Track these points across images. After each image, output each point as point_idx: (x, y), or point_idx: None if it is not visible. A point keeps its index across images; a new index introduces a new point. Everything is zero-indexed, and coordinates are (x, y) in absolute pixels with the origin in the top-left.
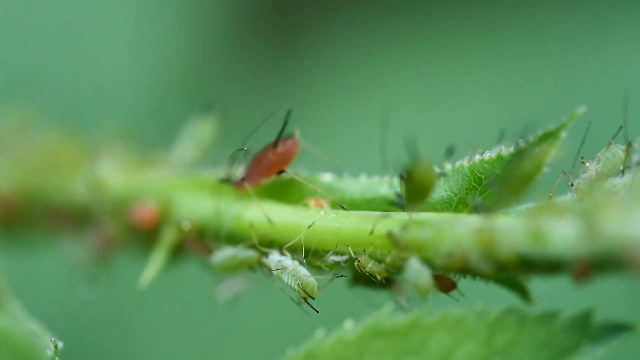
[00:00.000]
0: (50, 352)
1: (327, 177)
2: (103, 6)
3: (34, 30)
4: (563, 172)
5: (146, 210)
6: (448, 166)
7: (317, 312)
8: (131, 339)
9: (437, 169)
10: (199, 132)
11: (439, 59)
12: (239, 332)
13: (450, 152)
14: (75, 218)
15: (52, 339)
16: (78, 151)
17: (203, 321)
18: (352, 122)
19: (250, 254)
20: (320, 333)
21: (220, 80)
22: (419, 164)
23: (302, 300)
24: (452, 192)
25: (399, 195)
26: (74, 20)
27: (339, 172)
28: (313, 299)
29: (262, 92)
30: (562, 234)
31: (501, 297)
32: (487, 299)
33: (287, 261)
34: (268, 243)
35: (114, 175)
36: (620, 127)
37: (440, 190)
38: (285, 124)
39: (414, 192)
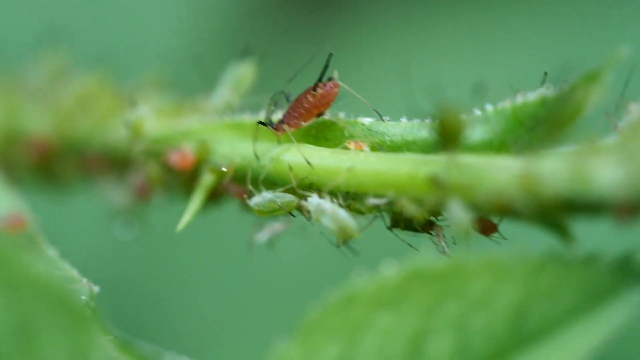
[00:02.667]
0: (85, 297)
1: (367, 120)
2: None
3: None
4: (607, 114)
5: (184, 152)
6: (490, 108)
7: (357, 255)
8: (168, 283)
9: (476, 112)
10: (238, 76)
11: (481, 5)
12: (277, 276)
13: (478, 91)
14: (112, 162)
15: (88, 284)
16: (115, 97)
17: (241, 266)
18: (393, 67)
19: (290, 197)
20: (359, 276)
21: (259, 29)
22: (446, 111)
23: (342, 242)
24: (494, 134)
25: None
26: None
27: (379, 115)
28: (351, 241)
29: (301, 41)
30: (606, 176)
31: (544, 240)
32: (529, 242)
33: (326, 204)
34: (307, 186)
35: (151, 119)
36: None
37: (482, 133)
38: (326, 66)
39: (445, 137)
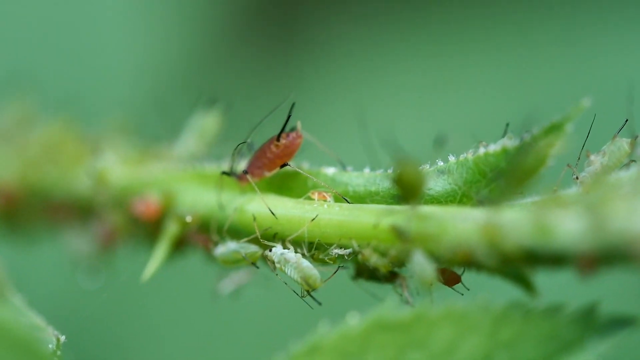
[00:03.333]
0: (52, 345)
1: (330, 170)
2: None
3: (31, 24)
4: (568, 165)
5: (148, 202)
6: (452, 159)
7: (320, 304)
8: (133, 332)
9: (438, 163)
10: (202, 126)
11: (439, 54)
12: (241, 326)
13: (439, 143)
14: (77, 210)
15: (54, 333)
16: (80, 144)
17: (205, 315)
18: (355, 116)
19: (253, 248)
20: (324, 326)
21: (221, 73)
22: (404, 165)
23: (306, 293)
24: (456, 185)
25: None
26: (72, 13)
27: (342, 165)
28: (315, 291)
29: (263, 86)
30: (568, 227)
31: (506, 291)
32: (491, 292)
33: (290, 254)
34: (271, 236)
35: (116, 167)
36: (626, 120)
37: (444, 184)
38: (289, 116)
39: (404, 190)
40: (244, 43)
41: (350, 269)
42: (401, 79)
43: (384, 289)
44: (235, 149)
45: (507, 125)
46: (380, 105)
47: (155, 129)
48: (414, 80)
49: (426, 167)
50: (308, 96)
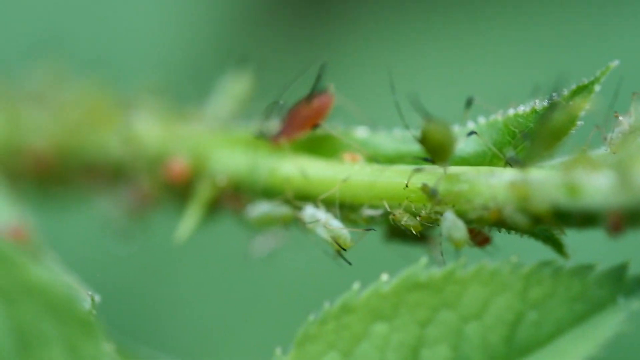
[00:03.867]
0: (87, 304)
1: (361, 132)
2: None
3: None
4: (596, 126)
5: (179, 164)
6: (482, 120)
7: (350, 264)
8: (166, 297)
9: (469, 125)
10: (234, 87)
11: (475, 18)
12: (274, 288)
13: (468, 104)
14: (109, 174)
15: (89, 292)
16: (112, 106)
17: (237, 279)
18: (386, 79)
19: (285, 209)
20: (355, 286)
21: (255, 39)
22: (431, 124)
23: (336, 253)
24: (486, 146)
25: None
26: None
27: (373, 127)
28: (346, 251)
29: (296, 52)
30: (596, 185)
31: (536, 251)
32: (522, 253)
33: (320, 214)
34: (303, 197)
35: (148, 129)
36: None
37: (474, 145)
38: (319, 77)
39: (432, 150)
40: (278, 9)
41: (382, 230)
42: (432, 45)
43: (416, 251)
44: (267, 109)
45: (537, 87)
46: (411, 69)
47: (188, 92)
48: (445, 48)
49: (455, 128)
50: (339, 59)
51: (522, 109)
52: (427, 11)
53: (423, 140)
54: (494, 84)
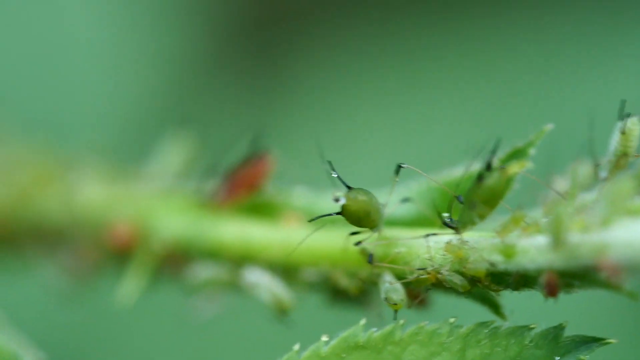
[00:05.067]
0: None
1: (302, 194)
2: (77, 20)
3: (6, 46)
4: (532, 188)
5: (121, 230)
6: (418, 184)
7: (292, 327)
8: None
9: (404, 188)
10: (175, 147)
11: (412, 82)
12: (217, 351)
13: (398, 170)
14: (51, 237)
15: (36, 353)
16: (54, 166)
17: (181, 341)
18: (328, 140)
19: (226, 272)
20: (295, 347)
21: (196, 98)
22: (348, 198)
23: (278, 316)
24: (423, 209)
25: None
26: (48, 35)
27: (315, 188)
28: (288, 314)
29: (238, 110)
30: (531, 247)
31: (475, 313)
32: (461, 314)
33: (263, 277)
34: (244, 260)
35: (90, 191)
36: (587, 144)
37: (411, 207)
38: (259, 140)
39: (356, 222)
40: (220, 68)
41: (323, 293)
42: (376, 107)
43: (356, 313)
44: (208, 171)
45: (473, 149)
46: (352, 130)
47: (131, 152)
48: (389, 110)
49: (382, 195)
50: (282, 122)
51: (457, 171)
52: (366, 68)
53: (343, 213)
54: (431, 145)
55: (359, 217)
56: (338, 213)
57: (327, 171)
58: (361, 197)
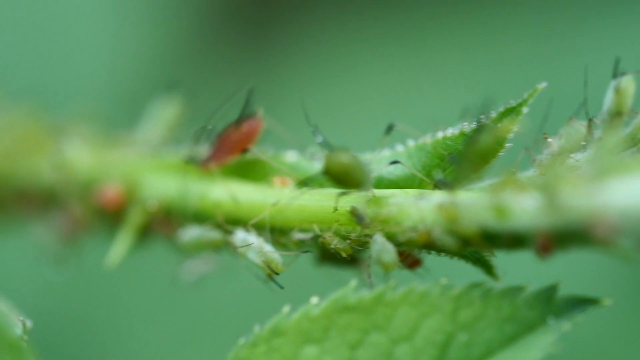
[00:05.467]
0: (18, 330)
1: (291, 156)
2: None
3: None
4: (525, 147)
5: (111, 191)
6: (411, 143)
7: (282, 288)
8: (99, 323)
9: (399, 148)
10: (164, 112)
11: (401, 43)
12: (207, 312)
13: (389, 130)
14: (41, 200)
15: (21, 318)
16: (44, 132)
17: (169, 302)
18: (317, 105)
19: (216, 234)
20: (285, 309)
21: (189, 66)
22: (332, 157)
23: (268, 277)
24: (415, 169)
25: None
26: (43, 4)
27: (303, 150)
28: (278, 275)
29: (231, 79)
30: (524, 207)
31: (466, 273)
32: (452, 275)
33: (252, 238)
34: (233, 222)
35: (80, 155)
36: (582, 103)
37: (403, 167)
38: (247, 101)
39: (340, 182)
40: (214, 39)
41: (313, 254)
42: (369, 76)
43: (347, 274)
44: (196, 134)
45: (466, 110)
46: (345, 95)
47: (120, 118)
48: (380, 78)
49: (367, 156)
50: (274, 88)
51: (450, 131)
52: (361, 37)
53: (325, 172)
54: (424, 106)
55: (342, 177)
56: (322, 173)
57: (312, 133)
58: (341, 157)
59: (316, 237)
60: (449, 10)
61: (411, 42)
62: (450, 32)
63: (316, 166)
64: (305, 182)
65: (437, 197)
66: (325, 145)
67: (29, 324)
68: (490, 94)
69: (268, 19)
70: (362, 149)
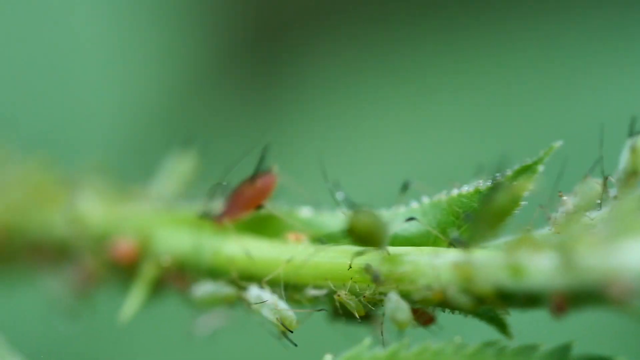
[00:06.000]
0: None
1: (305, 212)
2: (81, 38)
3: (10, 64)
4: (540, 205)
5: (124, 245)
6: (426, 200)
7: (296, 345)
8: None
9: (413, 204)
10: (179, 166)
11: (416, 96)
12: None
13: (405, 188)
14: (54, 252)
15: None
16: (57, 185)
17: (184, 356)
18: (332, 157)
19: (230, 289)
20: None
21: (199, 113)
22: (354, 217)
23: (282, 334)
24: (429, 227)
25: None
26: (52, 53)
27: (318, 206)
28: (292, 332)
29: (242, 125)
30: (540, 267)
31: (481, 331)
32: (466, 333)
33: (266, 295)
34: (247, 277)
35: (93, 209)
36: (597, 161)
37: (418, 225)
38: (262, 158)
39: (362, 241)
40: (223, 82)
41: (327, 310)
42: (381, 122)
43: (360, 331)
44: (211, 190)
45: (481, 166)
46: (357, 147)
47: (133, 170)
48: (393, 125)
49: (391, 212)
50: (285, 137)
51: (466, 189)
52: (378, 84)
53: (348, 231)
54: (439, 164)
55: (365, 237)
56: (344, 232)
57: (330, 190)
58: (366, 218)
59: (330, 294)
60: (463, 54)
61: (417, 88)
62: (462, 75)
63: (332, 222)
64: (321, 240)
65: (452, 255)
66: (348, 203)
67: None
68: (503, 137)
69: (272, 60)
70: (371, 193)
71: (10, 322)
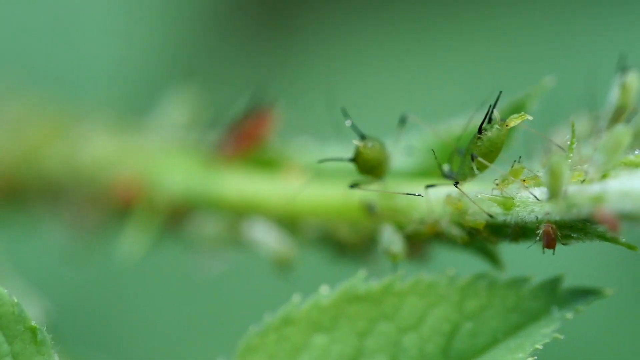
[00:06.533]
0: (39, 318)
1: (306, 145)
2: None
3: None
4: (531, 140)
5: (124, 182)
6: (420, 136)
7: (296, 282)
8: (116, 317)
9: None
10: (181, 102)
11: (418, 48)
12: (221, 307)
13: (402, 122)
14: (53, 192)
15: (41, 303)
16: (59, 120)
17: (184, 297)
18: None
19: (229, 226)
20: (295, 298)
21: (205, 54)
22: (363, 145)
23: (281, 270)
24: (423, 161)
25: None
26: None
27: (319, 140)
28: (291, 266)
29: (246, 68)
30: (529, 198)
31: (473, 264)
32: (459, 266)
33: (265, 231)
34: (247, 213)
35: (93, 144)
36: (587, 98)
37: (412, 159)
38: (264, 94)
39: (367, 170)
40: (233, 26)
41: (325, 249)
42: (383, 66)
43: (356, 265)
44: (213, 124)
45: (473, 103)
46: (361, 89)
47: (137, 108)
48: (394, 70)
49: (390, 144)
50: (293, 73)
51: (460, 124)
52: (381, 31)
53: (355, 160)
54: (434, 99)
55: (371, 166)
56: (351, 160)
57: (333, 122)
58: (376, 146)
59: (327, 230)
60: (462, 5)
61: (422, 38)
62: (461, 25)
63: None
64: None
65: (445, 189)
66: (356, 130)
67: (48, 306)
68: (498, 84)
69: (284, 6)
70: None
71: (16, 264)
